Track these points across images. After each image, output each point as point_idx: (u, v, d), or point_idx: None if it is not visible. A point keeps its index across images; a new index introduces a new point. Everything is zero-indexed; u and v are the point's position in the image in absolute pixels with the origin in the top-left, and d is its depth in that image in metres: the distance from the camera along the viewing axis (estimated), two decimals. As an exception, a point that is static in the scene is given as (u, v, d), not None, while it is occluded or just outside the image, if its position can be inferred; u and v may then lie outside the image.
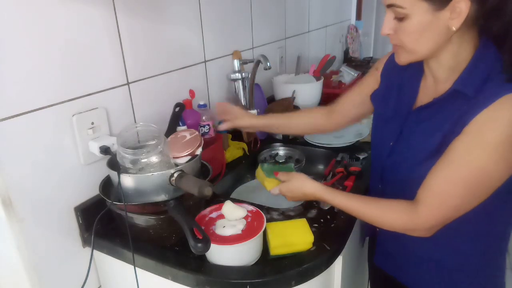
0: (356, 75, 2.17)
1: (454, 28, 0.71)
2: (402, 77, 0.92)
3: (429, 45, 0.75)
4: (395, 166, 0.86)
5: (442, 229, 0.82)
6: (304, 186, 0.91)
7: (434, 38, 0.74)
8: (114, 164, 0.86)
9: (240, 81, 1.37)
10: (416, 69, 0.88)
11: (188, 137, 0.92)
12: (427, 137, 0.79)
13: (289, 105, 1.57)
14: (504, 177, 0.71)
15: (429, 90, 0.84)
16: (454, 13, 0.69)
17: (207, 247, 0.72)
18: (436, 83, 0.82)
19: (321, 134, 1.16)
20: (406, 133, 0.85)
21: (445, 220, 0.75)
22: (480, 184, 0.70)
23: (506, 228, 0.86)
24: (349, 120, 1.09)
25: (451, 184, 0.71)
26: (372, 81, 1.00)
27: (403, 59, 0.80)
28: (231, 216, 0.83)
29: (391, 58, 0.99)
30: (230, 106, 1.14)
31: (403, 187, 0.80)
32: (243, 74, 1.36)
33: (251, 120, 1.13)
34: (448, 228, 0.81)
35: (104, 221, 0.90)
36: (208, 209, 0.88)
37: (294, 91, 1.61)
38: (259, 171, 1.06)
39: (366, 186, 1.08)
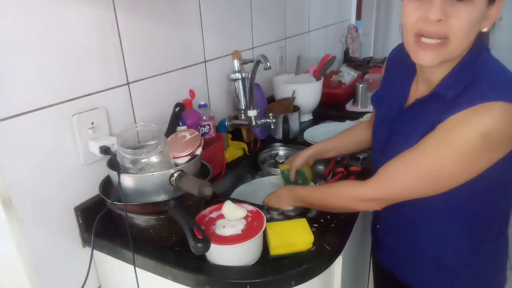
0: (356, 75, 2.17)
1: (484, 30, 0.70)
2: (396, 76, 0.92)
3: (468, 43, 0.71)
4: None
5: (440, 227, 0.82)
6: (279, 189, 1.00)
7: (473, 35, 0.70)
8: (114, 164, 0.86)
9: (240, 81, 1.37)
10: (409, 69, 0.87)
11: (188, 137, 0.92)
12: (408, 137, 0.80)
13: (289, 105, 1.57)
14: (459, 179, 0.72)
15: (419, 92, 0.84)
16: (493, 13, 0.69)
17: (207, 247, 0.72)
18: (426, 85, 0.82)
19: (367, 148, 1.19)
20: (394, 133, 0.87)
21: (392, 196, 0.78)
22: (434, 177, 0.73)
23: (505, 227, 0.86)
24: None
25: (406, 167, 0.74)
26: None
27: (436, 58, 0.70)
28: (231, 216, 0.83)
29: (390, 59, 0.99)
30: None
31: None
32: (243, 74, 1.36)
33: (301, 158, 1.16)
34: (446, 226, 0.82)
35: (104, 221, 0.90)
36: (208, 209, 0.88)
37: (294, 91, 1.61)
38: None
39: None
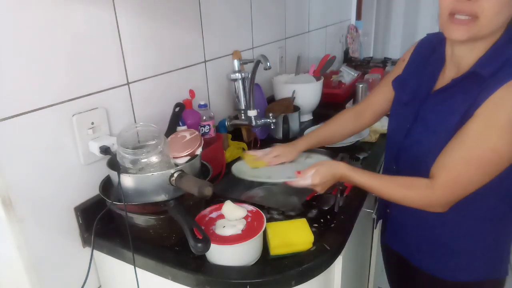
0: (356, 75, 2.17)
1: None
2: (425, 64, 0.94)
3: (499, 23, 0.74)
4: (411, 146, 0.89)
5: (452, 212, 0.84)
6: (333, 168, 0.92)
7: (505, 16, 0.74)
8: (114, 164, 0.86)
9: (240, 81, 1.37)
10: (439, 58, 0.90)
11: (188, 137, 0.92)
12: (444, 118, 0.81)
13: (289, 105, 1.57)
14: None
15: (447, 77, 0.86)
16: None
17: (207, 247, 0.72)
18: (455, 70, 0.84)
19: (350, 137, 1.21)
20: (423, 115, 0.88)
21: (458, 196, 0.79)
22: (492, 164, 0.74)
23: None
24: (380, 114, 1.12)
25: (465, 164, 0.75)
26: (399, 71, 1.03)
27: (466, 32, 0.75)
28: (231, 216, 0.84)
29: (419, 46, 1.01)
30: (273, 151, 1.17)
31: (418, 166, 0.84)
32: (243, 74, 1.36)
33: (296, 152, 1.16)
34: (458, 211, 0.84)
35: (104, 221, 0.90)
36: (208, 209, 0.88)
37: (294, 91, 1.61)
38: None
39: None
